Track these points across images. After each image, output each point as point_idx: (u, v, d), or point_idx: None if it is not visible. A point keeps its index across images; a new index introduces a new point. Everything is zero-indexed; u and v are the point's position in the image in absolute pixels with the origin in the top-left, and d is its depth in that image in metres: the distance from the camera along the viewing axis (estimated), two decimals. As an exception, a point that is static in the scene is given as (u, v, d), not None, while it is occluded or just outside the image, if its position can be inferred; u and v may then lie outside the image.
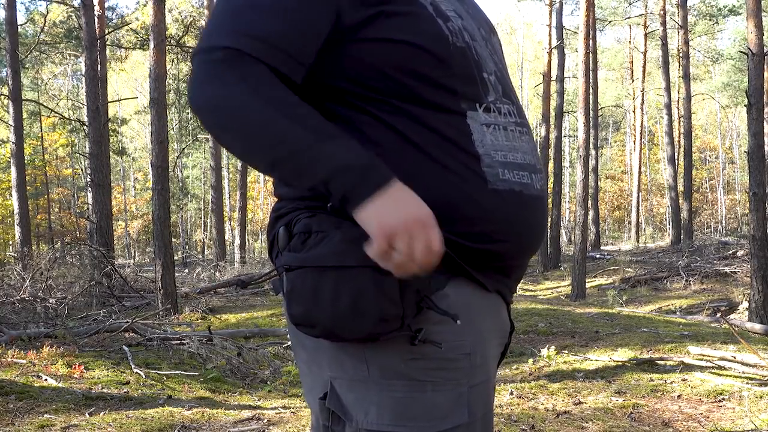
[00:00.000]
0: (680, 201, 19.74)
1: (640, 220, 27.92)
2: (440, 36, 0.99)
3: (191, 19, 19.27)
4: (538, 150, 1.20)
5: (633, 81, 29.75)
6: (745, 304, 8.81)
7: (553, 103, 17.87)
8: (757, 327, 6.54)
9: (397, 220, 0.86)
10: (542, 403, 3.72)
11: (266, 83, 0.90)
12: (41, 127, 23.97)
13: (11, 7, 13.35)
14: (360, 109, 0.99)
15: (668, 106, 21.01)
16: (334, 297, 0.90)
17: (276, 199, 1.10)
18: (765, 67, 8.14)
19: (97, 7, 13.48)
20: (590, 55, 13.15)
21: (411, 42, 0.97)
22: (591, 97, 14.23)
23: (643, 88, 27.09)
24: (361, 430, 0.96)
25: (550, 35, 18.01)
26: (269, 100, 0.89)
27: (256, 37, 0.92)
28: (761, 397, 3.58)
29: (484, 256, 0.99)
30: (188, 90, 0.95)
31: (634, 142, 28.19)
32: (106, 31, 15.83)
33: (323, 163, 0.88)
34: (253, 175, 36.61)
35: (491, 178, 0.99)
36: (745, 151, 8.92)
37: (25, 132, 15.46)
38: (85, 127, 12.61)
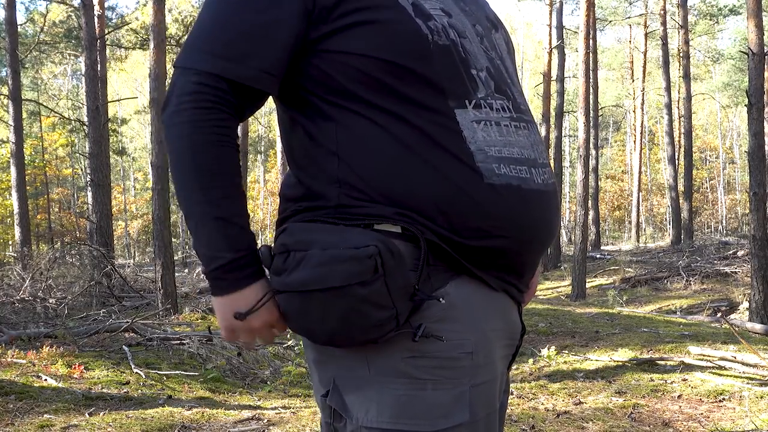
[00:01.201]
0: (680, 201, 19.73)
1: (640, 220, 27.91)
2: (418, 36, 0.99)
3: (191, 19, 19.26)
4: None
5: (633, 81, 29.75)
6: (746, 304, 8.81)
7: (554, 103, 17.85)
8: (758, 327, 6.54)
9: (228, 326, 1.02)
10: (542, 403, 3.72)
11: (209, 141, 0.98)
12: (41, 127, 23.97)
13: (11, 6, 13.35)
14: (350, 110, 0.99)
15: (668, 106, 21.01)
16: (323, 317, 0.93)
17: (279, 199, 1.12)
18: (765, 66, 8.13)
19: (97, 7, 13.48)
20: (590, 54, 13.14)
21: (385, 50, 0.98)
22: (591, 96, 14.22)
23: (644, 88, 27.09)
24: (361, 427, 0.97)
25: (550, 35, 17.99)
26: (199, 163, 0.97)
27: (229, 57, 0.98)
28: (761, 397, 3.58)
29: (485, 253, 0.99)
30: (165, 99, 1.02)
31: (635, 141, 28.19)
32: (106, 31, 15.83)
33: (201, 238, 0.99)
34: (253, 174, 36.62)
35: (486, 173, 0.98)
36: (745, 151, 8.92)
37: (25, 132, 15.46)
38: (85, 127, 12.61)
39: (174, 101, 0.99)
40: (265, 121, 32.42)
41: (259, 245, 1.02)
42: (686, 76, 19.65)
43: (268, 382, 4.80)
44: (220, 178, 0.97)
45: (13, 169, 13.57)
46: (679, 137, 22.82)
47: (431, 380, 0.96)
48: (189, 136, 0.97)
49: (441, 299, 0.95)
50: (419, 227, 0.95)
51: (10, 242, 19.97)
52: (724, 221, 35.09)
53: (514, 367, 4.93)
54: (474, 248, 0.98)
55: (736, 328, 5.55)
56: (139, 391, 4.13)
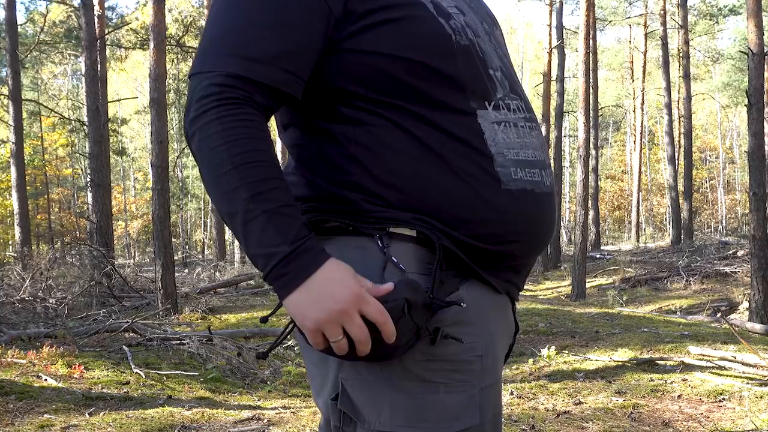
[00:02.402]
0: (680, 201, 19.73)
1: (640, 220, 27.92)
2: (443, 36, 0.98)
3: (191, 18, 19.27)
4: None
5: (633, 81, 29.75)
6: (746, 304, 8.81)
7: (553, 103, 17.86)
8: (758, 327, 6.53)
9: (318, 315, 0.86)
10: (542, 403, 3.72)
11: (242, 133, 0.89)
12: (41, 127, 23.97)
13: (11, 7, 13.36)
14: (371, 112, 0.98)
15: (668, 106, 21.01)
16: (348, 353, 0.91)
17: None
18: (765, 66, 8.13)
19: (97, 7, 13.47)
20: (590, 54, 13.14)
21: (412, 49, 0.96)
22: (591, 96, 14.23)
23: (644, 88, 27.09)
24: (373, 431, 0.96)
25: (550, 35, 18.00)
26: (235, 154, 0.88)
27: (255, 58, 0.92)
28: (761, 397, 3.58)
29: (496, 256, 0.99)
30: (185, 110, 0.95)
31: (635, 141, 28.19)
32: (106, 31, 15.82)
33: (252, 242, 0.88)
34: (253, 175, 36.50)
35: (504, 179, 0.98)
36: (745, 151, 8.92)
37: (24, 132, 15.47)
38: (85, 127, 12.61)
39: (194, 106, 0.92)
40: (265, 121, 32.34)
41: None
42: (686, 76, 19.66)
43: (268, 382, 4.80)
44: (260, 168, 0.89)
45: (13, 169, 13.58)
46: (679, 137, 22.82)
47: (444, 383, 0.96)
48: (219, 132, 0.89)
49: (462, 304, 0.94)
50: (436, 233, 0.95)
51: (10, 242, 19.97)
52: (724, 221, 35.08)
53: (513, 367, 4.93)
54: (488, 252, 0.98)
55: (736, 328, 5.55)
56: (139, 391, 4.13)
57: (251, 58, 0.92)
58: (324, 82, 0.99)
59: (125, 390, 4.11)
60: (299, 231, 0.88)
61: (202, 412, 3.57)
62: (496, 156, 0.98)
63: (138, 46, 17.99)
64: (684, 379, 4.09)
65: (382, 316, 0.86)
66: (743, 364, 4.14)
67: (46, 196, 25.06)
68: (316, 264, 0.87)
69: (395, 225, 0.95)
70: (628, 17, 27.83)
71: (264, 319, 0.96)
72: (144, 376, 4.41)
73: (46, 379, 4.13)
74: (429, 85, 0.97)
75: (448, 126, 0.97)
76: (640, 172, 27.15)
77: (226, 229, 27.03)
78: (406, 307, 0.88)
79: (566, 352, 5.23)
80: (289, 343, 5.67)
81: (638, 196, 26.59)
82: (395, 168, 0.96)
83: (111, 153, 19.22)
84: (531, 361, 5.06)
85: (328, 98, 0.99)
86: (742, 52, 10.38)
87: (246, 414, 3.62)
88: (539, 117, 17.91)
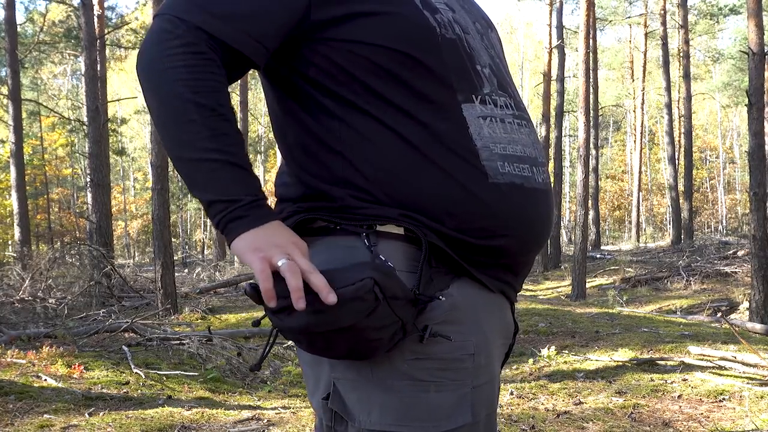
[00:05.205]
0: (681, 201, 19.73)
1: (640, 220, 27.91)
2: (427, 28, 0.98)
3: (191, 18, 19.21)
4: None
5: (633, 80, 29.76)
6: (746, 304, 8.81)
7: (554, 103, 17.85)
8: (758, 327, 6.53)
9: (268, 244, 0.88)
10: (542, 403, 3.72)
11: (209, 85, 0.91)
12: (41, 126, 23.97)
13: (10, 6, 13.36)
14: (356, 107, 0.97)
15: (668, 106, 21.00)
16: (329, 347, 0.91)
17: (275, 200, 1.09)
18: (765, 66, 8.12)
19: (96, 7, 13.45)
20: (590, 54, 13.13)
21: (395, 39, 0.96)
22: (591, 96, 14.21)
23: (644, 88, 27.08)
24: (363, 430, 0.96)
25: (550, 35, 17.99)
26: (202, 105, 0.90)
27: (217, 14, 0.93)
28: (762, 397, 3.58)
29: (487, 252, 0.99)
30: (140, 48, 0.95)
31: (635, 141, 28.19)
32: (106, 31, 15.82)
33: (213, 188, 0.91)
34: (253, 174, 36.51)
35: (491, 172, 0.98)
36: (745, 151, 8.92)
37: (24, 132, 15.47)
38: (84, 127, 12.59)
39: (161, 47, 0.92)
40: (264, 121, 32.40)
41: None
42: (686, 76, 19.66)
43: (268, 382, 4.79)
44: (226, 122, 0.92)
45: (12, 169, 13.58)
46: (679, 137, 22.83)
47: (434, 382, 0.95)
48: (187, 80, 0.90)
49: (441, 297, 0.94)
50: (423, 229, 0.95)
51: (10, 242, 19.96)
52: (724, 221, 35.08)
53: (513, 367, 4.93)
54: (478, 248, 0.97)
55: (736, 328, 5.55)
56: (139, 391, 4.13)
57: (212, 13, 0.93)
58: (309, 71, 0.99)
59: (125, 390, 4.11)
60: (259, 189, 0.93)
61: (202, 412, 3.57)
62: (482, 150, 0.98)
63: (138, 46, 17.99)
64: (684, 379, 4.09)
65: (310, 270, 0.86)
66: (743, 364, 4.14)
67: (45, 196, 25.06)
68: (272, 218, 0.92)
69: (382, 222, 0.95)
70: (628, 17, 27.84)
71: (256, 323, 0.95)
72: (144, 376, 4.40)
73: (45, 379, 4.12)
74: (414, 75, 0.97)
75: (431, 119, 0.97)
76: (640, 172, 27.15)
77: (226, 229, 26.93)
78: (379, 290, 0.86)
79: (566, 352, 5.23)
80: (289, 342, 5.67)
81: (638, 195, 26.59)
82: (381, 164, 0.96)
83: (111, 153, 19.21)
84: (531, 361, 5.06)
85: (314, 91, 0.99)
86: (742, 51, 10.38)
87: (246, 414, 3.61)
88: (539, 117, 17.93)
